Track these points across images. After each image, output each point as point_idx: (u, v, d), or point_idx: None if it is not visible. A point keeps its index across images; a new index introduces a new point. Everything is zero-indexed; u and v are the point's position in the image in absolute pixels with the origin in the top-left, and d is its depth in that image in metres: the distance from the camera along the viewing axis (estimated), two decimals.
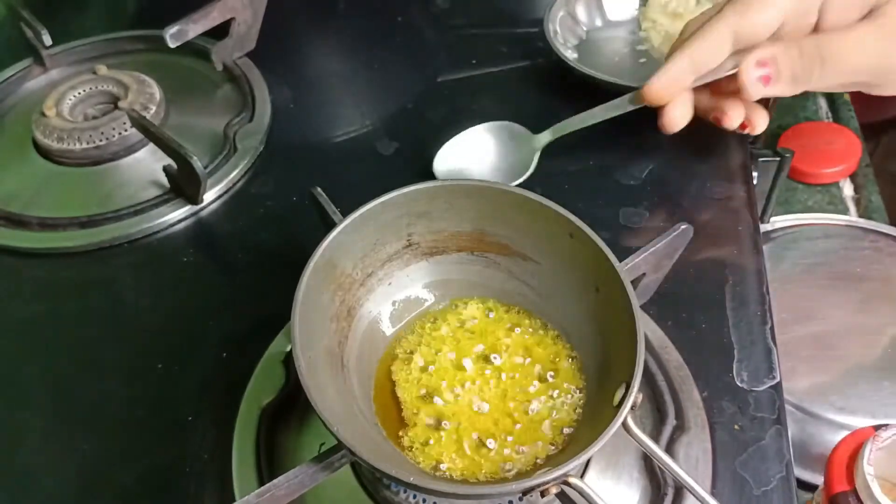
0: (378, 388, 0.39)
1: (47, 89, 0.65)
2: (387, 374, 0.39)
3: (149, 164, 0.59)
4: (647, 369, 0.42)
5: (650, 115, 0.52)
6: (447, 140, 0.56)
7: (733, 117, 0.51)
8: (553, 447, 0.36)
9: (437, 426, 0.36)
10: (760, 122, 0.52)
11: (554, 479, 0.30)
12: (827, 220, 0.71)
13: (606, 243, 0.36)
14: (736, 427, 0.41)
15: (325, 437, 0.39)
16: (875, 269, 0.63)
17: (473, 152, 0.56)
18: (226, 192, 0.58)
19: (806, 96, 0.86)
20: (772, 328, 0.45)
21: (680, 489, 0.38)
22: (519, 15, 0.73)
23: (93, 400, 0.46)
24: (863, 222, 0.71)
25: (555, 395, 0.37)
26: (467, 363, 0.39)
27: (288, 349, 0.44)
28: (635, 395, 0.32)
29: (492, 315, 0.41)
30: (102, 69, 0.65)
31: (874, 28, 0.44)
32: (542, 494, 0.31)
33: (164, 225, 0.55)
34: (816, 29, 0.47)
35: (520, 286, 0.41)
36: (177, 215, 0.56)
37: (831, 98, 0.85)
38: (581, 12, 0.68)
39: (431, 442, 0.36)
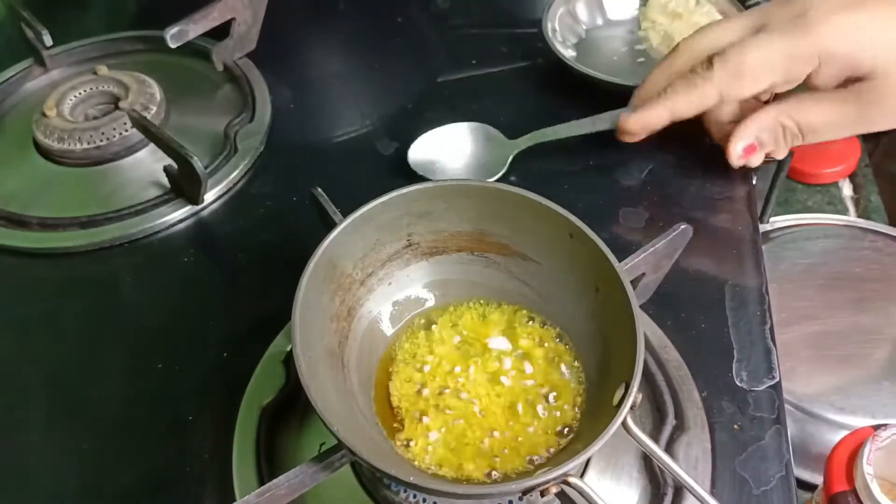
0: (378, 388, 0.39)
1: (48, 89, 0.65)
2: (387, 374, 0.39)
3: (149, 164, 0.59)
4: (646, 369, 0.42)
5: None
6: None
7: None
8: (553, 447, 0.36)
9: (438, 427, 0.36)
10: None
11: (554, 479, 0.30)
12: (826, 221, 0.71)
13: (606, 243, 0.36)
14: (735, 427, 0.41)
15: (325, 437, 0.39)
16: (874, 269, 0.63)
17: (448, 147, 0.57)
18: (226, 193, 0.58)
19: None
20: (771, 328, 0.45)
21: (679, 489, 0.38)
22: (519, 15, 0.73)
23: (93, 400, 0.46)
24: (862, 222, 0.71)
25: (554, 395, 0.37)
26: (467, 363, 0.39)
27: (288, 349, 0.44)
28: (635, 394, 0.32)
29: (491, 315, 0.41)
30: (103, 69, 0.65)
31: (854, 96, 0.47)
32: (542, 494, 0.31)
33: (165, 225, 0.55)
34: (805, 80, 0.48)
35: (520, 286, 0.41)
36: (177, 215, 0.56)
37: None
38: (581, 11, 0.68)
39: (431, 438, 0.36)
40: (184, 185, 0.56)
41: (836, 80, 0.47)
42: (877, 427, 0.41)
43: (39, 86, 0.69)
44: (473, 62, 0.67)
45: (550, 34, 0.64)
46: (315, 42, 0.74)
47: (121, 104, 0.61)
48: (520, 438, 0.36)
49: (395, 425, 0.37)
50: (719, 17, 0.65)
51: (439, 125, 0.58)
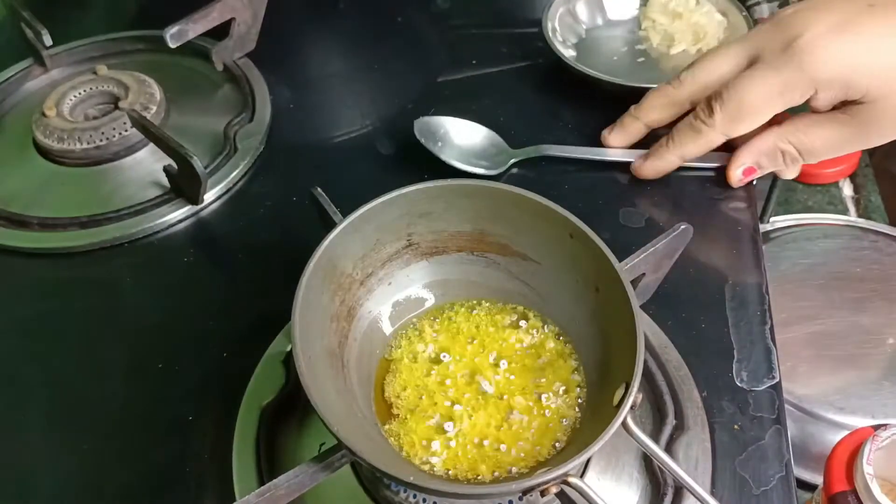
0: (378, 388, 0.39)
1: (48, 89, 0.65)
2: (386, 375, 0.39)
3: (149, 164, 0.59)
4: (646, 369, 0.42)
5: None
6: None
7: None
8: (553, 447, 0.36)
9: (438, 427, 0.36)
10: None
11: (554, 479, 0.30)
12: (826, 220, 0.71)
13: (606, 243, 0.36)
14: (735, 427, 0.41)
15: (325, 437, 0.39)
16: (874, 269, 0.63)
17: (453, 133, 0.57)
18: (226, 193, 0.58)
19: None
20: (771, 328, 0.45)
21: (679, 489, 0.38)
22: (519, 15, 0.73)
23: (93, 400, 0.46)
24: (862, 222, 0.71)
25: (554, 395, 0.37)
26: (467, 363, 0.39)
27: (288, 349, 0.44)
28: (635, 394, 0.32)
29: (490, 315, 0.41)
30: (103, 69, 0.65)
31: (850, 118, 0.48)
32: (542, 494, 0.31)
33: (165, 225, 0.55)
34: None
35: (520, 286, 0.41)
36: (177, 215, 0.56)
37: None
38: (581, 11, 0.68)
39: (435, 445, 0.36)
40: (184, 185, 0.56)
41: (833, 102, 0.48)
42: (877, 427, 0.41)
43: (39, 86, 0.69)
44: (473, 62, 0.67)
45: (550, 34, 0.64)
46: (315, 42, 0.74)
47: (121, 104, 0.61)
48: (520, 438, 0.36)
49: (392, 423, 0.37)
50: (719, 16, 0.65)
51: None
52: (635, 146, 0.56)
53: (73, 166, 0.60)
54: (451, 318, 0.41)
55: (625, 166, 0.56)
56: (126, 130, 0.60)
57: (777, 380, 0.43)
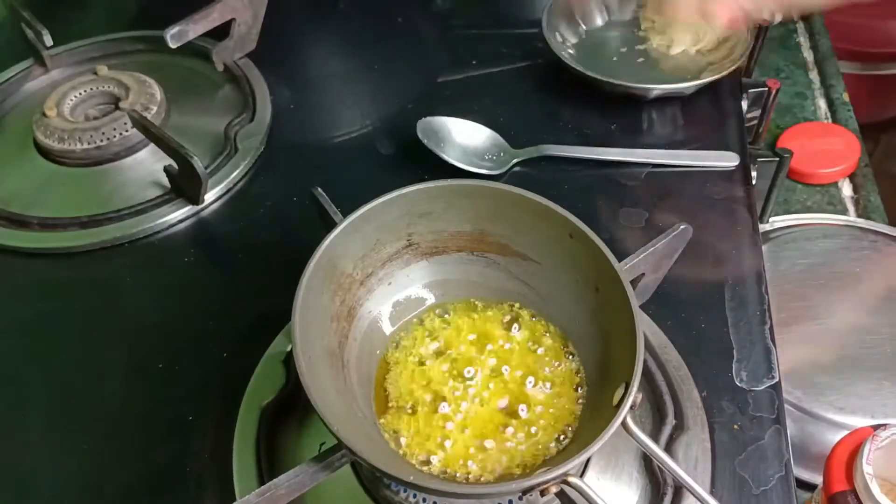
0: (378, 388, 0.39)
1: (48, 90, 0.65)
2: (386, 375, 0.39)
3: (149, 164, 0.60)
4: (646, 369, 0.42)
5: (650, 118, 0.52)
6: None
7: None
8: (553, 447, 0.36)
9: (438, 427, 0.36)
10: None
11: (553, 479, 0.30)
12: (826, 220, 0.71)
13: (606, 243, 0.36)
14: (735, 427, 0.41)
15: (325, 437, 0.39)
16: (874, 269, 0.63)
17: (455, 133, 0.58)
18: (226, 193, 0.58)
19: (805, 97, 0.86)
20: (771, 328, 0.45)
21: (679, 489, 0.38)
22: (519, 15, 0.73)
23: (93, 400, 0.46)
24: (862, 222, 0.71)
25: (554, 395, 0.37)
26: (467, 363, 0.39)
27: (288, 349, 0.44)
28: (635, 394, 0.32)
29: (490, 316, 0.41)
30: (103, 70, 0.65)
31: None
32: (542, 494, 0.31)
33: (165, 225, 0.55)
34: None
35: (520, 286, 0.41)
36: (177, 215, 0.56)
37: (830, 99, 0.85)
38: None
39: (442, 443, 0.36)
40: (184, 185, 0.56)
41: None
42: (876, 427, 0.40)
43: (40, 86, 0.69)
44: (473, 62, 0.67)
45: (550, 34, 0.64)
46: (315, 42, 0.74)
47: (121, 104, 0.61)
48: (520, 438, 0.36)
49: (392, 421, 0.37)
50: None
51: None
52: (639, 146, 0.56)
53: (73, 166, 0.60)
54: (451, 317, 0.41)
55: (625, 166, 0.56)
56: (126, 131, 0.60)
57: (777, 380, 0.43)
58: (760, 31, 0.67)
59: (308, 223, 0.44)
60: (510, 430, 0.36)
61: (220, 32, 0.65)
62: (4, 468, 0.43)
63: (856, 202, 0.76)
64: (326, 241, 0.37)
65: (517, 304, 0.41)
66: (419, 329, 0.41)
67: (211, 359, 0.47)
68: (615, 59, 0.65)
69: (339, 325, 0.38)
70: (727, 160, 0.56)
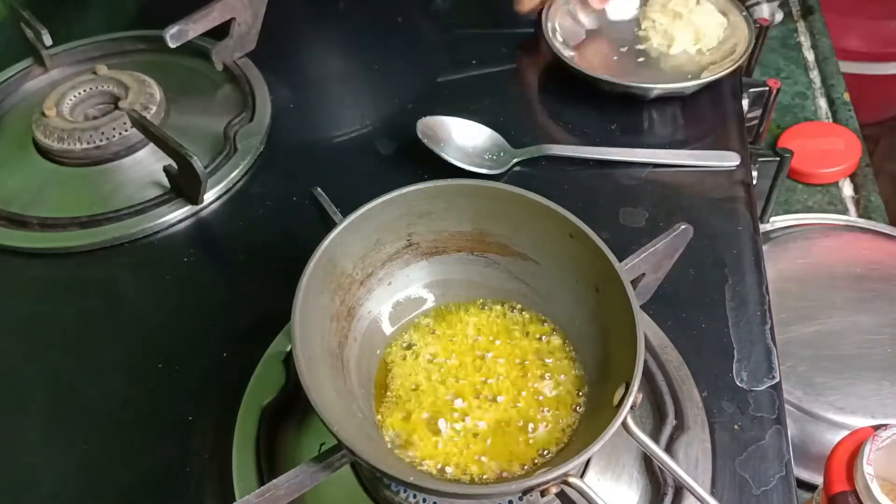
0: (378, 388, 0.39)
1: (48, 89, 0.65)
2: (386, 375, 0.39)
3: (149, 164, 0.59)
4: (646, 369, 0.42)
5: (651, 118, 0.52)
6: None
7: None
8: (553, 447, 0.36)
9: (438, 427, 0.36)
10: None
11: (554, 479, 0.30)
12: (827, 220, 0.71)
13: (606, 243, 0.36)
14: (735, 427, 0.41)
15: (325, 437, 0.39)
16: (874, 269, 0.63)
17: (455, 133, 0.57)
18: (226, 193, 0.58)
19: (805, 97, 0.86)
20: (771, 328, 0.45)
21: (679, 489, 0.38)
22: (519, 15, 0.73)
23: (93, 400, 0.46)
24: (862, 222, 0.71)
25: (554, 395, 0.37)
26: (467, 364, 0.39)
27: (288, 349, 0.44)
28: (635, 394, 0.32)
29: (490, 315, 0.41)
30: (103, 69, 0.65)
31: None
32: (542, 494, 0.31)
33: (165, 225, 0.55)
34: None
35: (520, 286, 0.41)
36: (177, 215, 0.56)
37: (831, 98, 0.86)
38: (582, 11, 0.68)
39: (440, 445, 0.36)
40: (184, 184, 0.56)
41: None
42: (877, 427, 0.40)
43: (39, 86, 0.69)
44: (473, 62, 0.67)
45: (550, 34, 0.64)
46: (315, 42, 0.74)
47: (121, 104, 0.61)
48: (519, 438, 0.36)
49: (391, 422, 0.37)
50: (720, 16, 0.65)
51: None
52: (640, 146, 0.56)
53: (73, 166, 0.60)
54: (451, 317, 0.41)
55: (625, 166, 0.56)
56: (126, 130, 0.60)
57: (777, 380, 0.43)
58: (761, 31, 0.67)
59: (308, 223, 0.44)
60: (510, 430, 0.36)
61: (220, 32, 0.65)
62: (4, 468, 0.43)
63: (856, 202, 0.76)
64: (326, 241, 0.37)
65: (517, 304, 0.41)
66: (419, 329, 0.41)
67: (211, 359, 0.46)
68: (615, 58, 0.65)
69: (339, 325, 0.38)
70: (728, 160, 0.56)
